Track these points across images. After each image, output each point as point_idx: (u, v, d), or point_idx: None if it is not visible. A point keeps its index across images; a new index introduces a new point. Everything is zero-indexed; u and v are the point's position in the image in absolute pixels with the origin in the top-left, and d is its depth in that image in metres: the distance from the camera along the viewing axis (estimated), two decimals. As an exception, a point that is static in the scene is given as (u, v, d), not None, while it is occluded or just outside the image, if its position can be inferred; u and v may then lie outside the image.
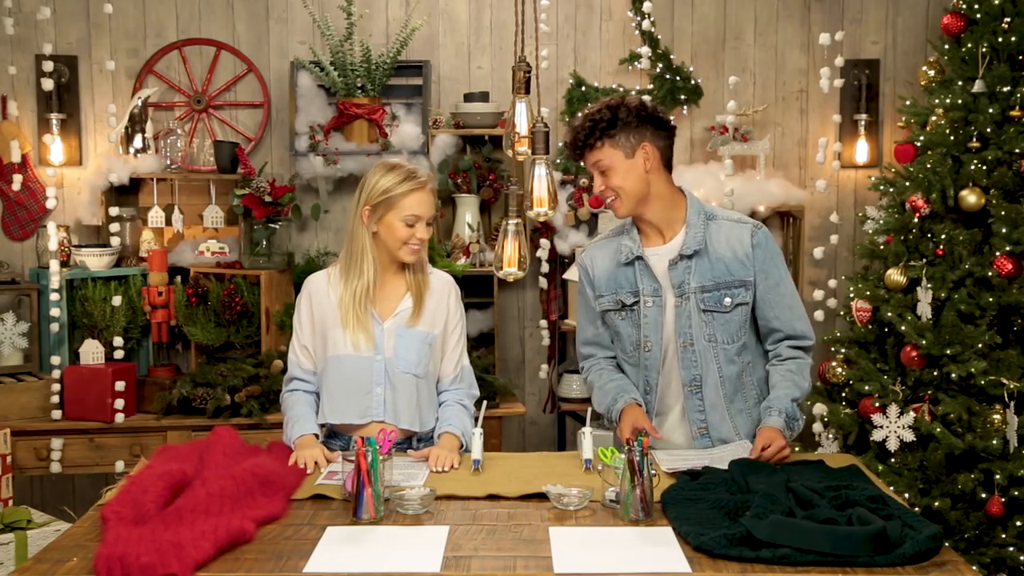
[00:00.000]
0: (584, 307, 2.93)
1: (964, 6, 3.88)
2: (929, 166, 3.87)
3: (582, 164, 2.80)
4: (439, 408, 2.88)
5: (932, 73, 4.12)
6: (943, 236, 3.78)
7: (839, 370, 4.03)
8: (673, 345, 2.76)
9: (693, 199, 2.78)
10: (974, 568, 2.19)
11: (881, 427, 3.71)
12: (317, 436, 2.75)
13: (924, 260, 3.81)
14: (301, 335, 2.84)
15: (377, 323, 2.77)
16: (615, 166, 2.68)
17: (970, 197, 3.74)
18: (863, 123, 4.57)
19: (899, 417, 3.68)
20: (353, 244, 2.76)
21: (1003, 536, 3.60)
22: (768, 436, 2.60)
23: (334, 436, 2.85)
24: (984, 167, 3.76)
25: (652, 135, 2.70)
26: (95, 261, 4.14)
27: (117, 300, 4.06)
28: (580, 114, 2.75)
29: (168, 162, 4.39)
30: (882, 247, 4.04)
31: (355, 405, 2.76)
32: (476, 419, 2.73)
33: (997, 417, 3.61)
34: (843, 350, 4.07)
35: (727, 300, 2.71)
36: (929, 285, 3.73)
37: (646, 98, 2.82)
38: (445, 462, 2.64)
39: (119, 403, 3.90)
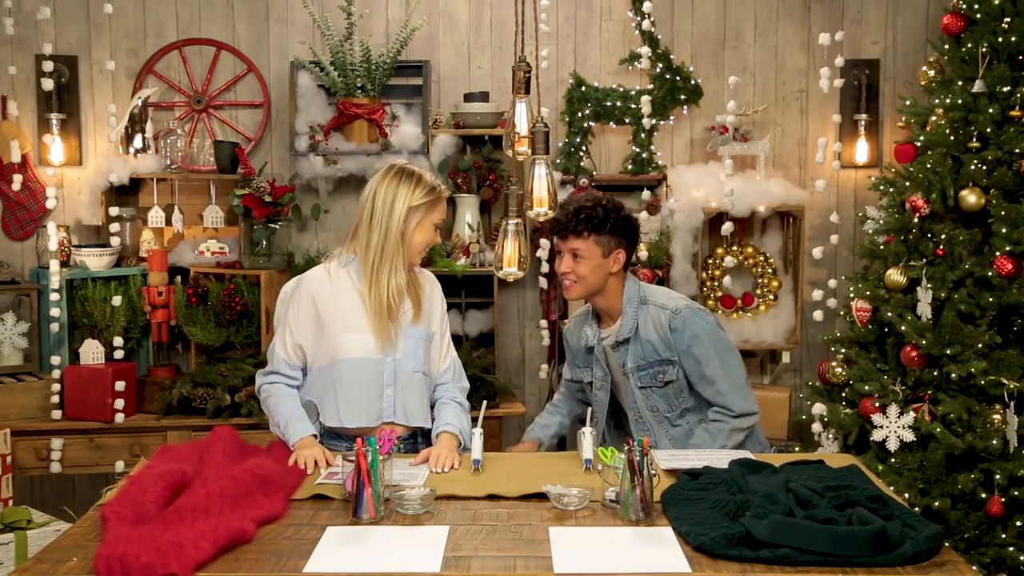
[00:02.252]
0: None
1: (964, 6, 3.88)
2: (929, 166, 3.86)
3: (558, 243, 3.04)
4: (435, 406, 2.88)
5: (932, 73, 4.12)
6: (943, 236, 3.78)
7: (839, 370, 4.03)
8: (630, 416, 3.09)
9: (630, 287, 3.05)
10: (974, 568, 2.19)
11: (881, 427, 3.71)
12: (316, 437, 2.75)
13: (924, 260, 3.81)
14: (297, 334, 2.80)
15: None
16: (589, 258, 2.96)
17: (970, 197, 3.74)
18: (863, 123, 4.57)
19: (899, 417, 3.68)
20: (388, 243, 2.74)
21: (1003, 536, 3.60)
22: None
23: (339, 437, 2.84)
24: (984, 167, 3.76)
25: (627, 245, 3.02)
26: (95, 261, 4.14)
27: (117, 300, 4.06)
28: (576, 199, 3.00)
29: (168, 162, 4.39)
30: (882, 247, 4.03)
31: (369, 408, 2.76)
32: (476, 419, 2.73)
33: (997, 417, 3.61)
34: (843, 350, 4.07)
35: (659, 376, 2.99)
36: (929, 285, 3.73)
37: (627, 210, 3.06)
38: (445, 462, 2.64)
39: (119, 403, 3.90)
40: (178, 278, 4.23)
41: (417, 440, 2.86)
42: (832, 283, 4.37)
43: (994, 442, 3.58)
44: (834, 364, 4.08)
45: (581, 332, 3.17)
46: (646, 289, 3.07)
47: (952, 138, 3.84)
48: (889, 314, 3.82)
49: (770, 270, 4.50)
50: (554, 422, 3.31)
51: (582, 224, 2.94)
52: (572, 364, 3.26)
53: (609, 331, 3.07)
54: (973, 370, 3.61)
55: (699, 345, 2.94)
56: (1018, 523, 3.58)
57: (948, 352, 3.65)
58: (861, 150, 4.58)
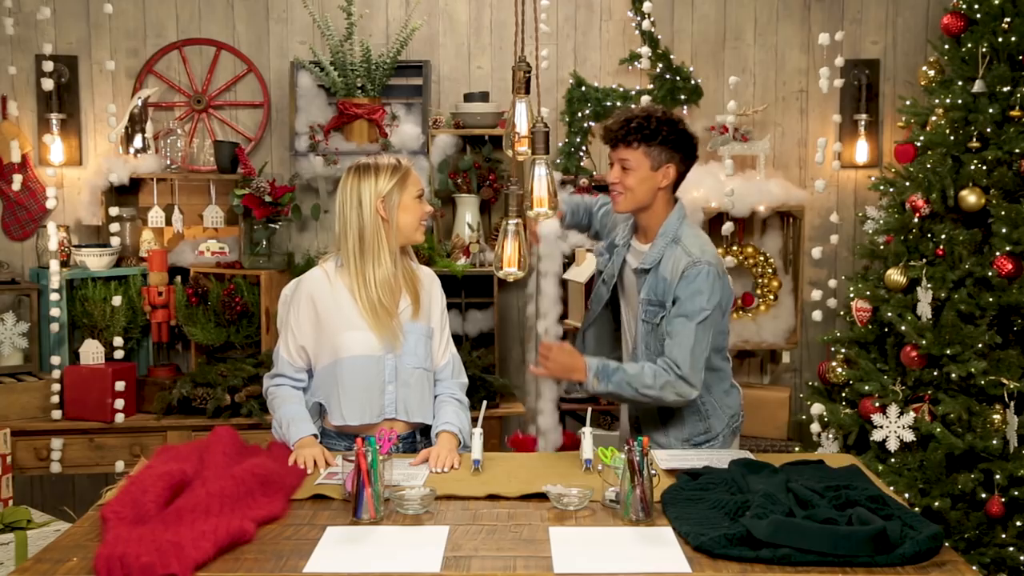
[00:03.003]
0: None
1: (964, 6, 3.88)
2: (929, 166, 3.87)
3: (609, 153, 2.96)
4: (434, 403, 2.88)
5: (932, 73, 4.12)
6: (943, 236, 3.78)
7: (839, 370, 4.03)
8: (628, 343, 3.06)
9: (672, 220, 2.93)
10: (974, 568, 2.19)
11: (881, 427, 3.71)
12: (316, 437, 2.75)
13: (924, 260, 3.81)
14: (299, 335, 2.81)
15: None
16: (637, 170, 2.87)
17: (970, 197, 3.74)
18: (863, 123, 4.56)
19: (899, 417, 3.68)
20: (364, 241, 2.74)
21: (1003, 536, 3.60)
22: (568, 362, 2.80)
23: (340, 437, 2.84)
24: (984, 167, 3.76)
25: (680, 160, 2.91)
26: (95, 261, 4.14)
27: (117, 300, 4.06)
28: (632, 108, 2.89)
29: (168, 162, 4.39)
30: (882, 247, 4.04)
31: (371, 405, 2.76)
32: (476, 419, 2.73)
33: (997, 417, 3.62)
34: (843, 350, 4.07)
35: (656, 316, 2.90)
36: (929, 285, 3.73)
37: (687, 124, 2.96)
38: (445, 462, 2.64)
39: (119, 403, 3.90)
40: (178, 278, 4.22)
41: (416, 439, 2.86)
42: (832, 283, 4.36)
43: (994, 442, 3.58)
44: (834, 364, 4.08)
45: (620, 225, 3.10)
46: (685, 229, 2.93)
47: (952, 138, 3.84)
48: (889, 314, 3.82)
49: (770, 270, 4.50)
50: (580, 202, 3.30)
51: (632, 133, 2.85)
52: (603, 232, 3.23)
53: (639, 248, 2.99)
54: (973, 370, 3.61)
55: (692, 302, 2.80)
56: (1018, 523, 3.58)
57: (948, 352, 3.65)
58: (861, 150, 4.58)
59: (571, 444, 4.26)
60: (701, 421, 2.97)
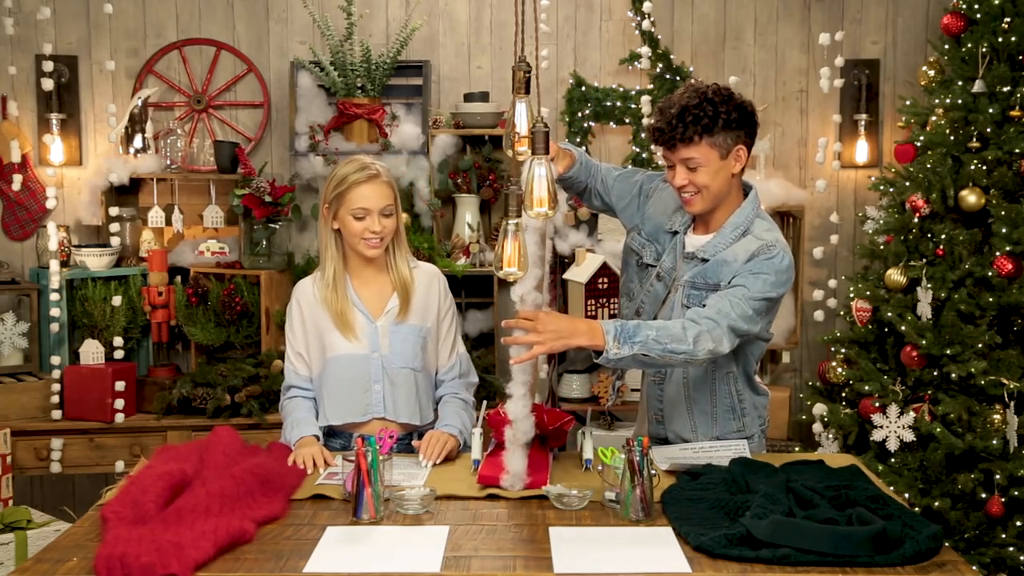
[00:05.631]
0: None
1: (964, 6, 3.88)
2: (929, 166, 3.87)
3: (666, 154, 2.62)
4: (439, 405, 2.89)
5: (932, 73, 4.13)
6: (943, 236, 3.78)
7: (839, 370, 4.04)
8: None
9: (747, 210, 2.64)
10: (974, 568, 2.19)
11: (881, 427, 3.71)
12: (318, 438, 2.75)
13: (924, 260, 3.81)
14: (295, 342, 2.85)
15: (369, 321, 2.79)
16: (707, 165, 2.56)
17: (970, 197, 3.74)
18: (863, 123, 4.56)
19: (899, 417, 3.69)
20: (319, 243, 2.83)
21: (1003, 536, 3.60)
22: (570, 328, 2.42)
23: (334, 435, 2.85)
24: (984, 167, 3.76)
25: (746, 135, 2.59)
26: (95, 261, 4.14)
27: (117, 300, 4.06)
28: (674, 100, 2.57)
29: (168, 162, 4.39)
30: (882, 247, 4.04)
31: (355, 403, 2.77)
32: (476, 419, 2.73)
33: (997, 417, 3.62)
34: (843, 350, 4.07)
35: (704, 300, 2.59)
36: (929, 285, 3.73)
37: (738, 94, 2.62)
38: (432, 452, 2.64)
39: (119, 403, 3.90)
40: (178, 278, 4.23)
41: (412, 441, 2.85)
42: (832, 283, 4.37)
43: (994, 442, 3.59)
44: (834, 364, 4.08)
45: (673, 208, 2.72)
46: (757, 220, 2.63)
47: (952, 138, 3.84)
48: (889, 314, 3.83)
49: (770, 270, 4.49)
50: (589, 160, 2.88)
51: (690, 128, 2.50)
52: (621, 206, 2.85)
53: (696, 240, 2.67)
54: (973, 370, 3.61)
55: (756, 280, 2.52)
56: (1018, 523, 3.58)
57: (948, 352, 3.66)
58: (861, 150, 4.58)
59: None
60: (735, 419, 2.74)
